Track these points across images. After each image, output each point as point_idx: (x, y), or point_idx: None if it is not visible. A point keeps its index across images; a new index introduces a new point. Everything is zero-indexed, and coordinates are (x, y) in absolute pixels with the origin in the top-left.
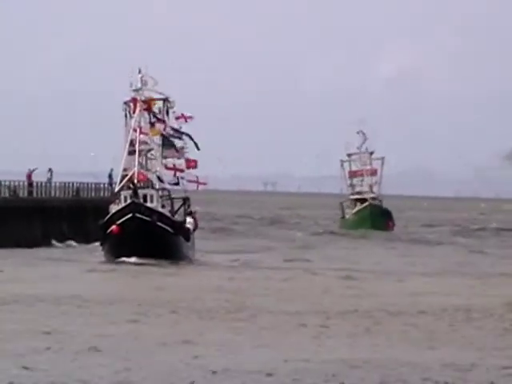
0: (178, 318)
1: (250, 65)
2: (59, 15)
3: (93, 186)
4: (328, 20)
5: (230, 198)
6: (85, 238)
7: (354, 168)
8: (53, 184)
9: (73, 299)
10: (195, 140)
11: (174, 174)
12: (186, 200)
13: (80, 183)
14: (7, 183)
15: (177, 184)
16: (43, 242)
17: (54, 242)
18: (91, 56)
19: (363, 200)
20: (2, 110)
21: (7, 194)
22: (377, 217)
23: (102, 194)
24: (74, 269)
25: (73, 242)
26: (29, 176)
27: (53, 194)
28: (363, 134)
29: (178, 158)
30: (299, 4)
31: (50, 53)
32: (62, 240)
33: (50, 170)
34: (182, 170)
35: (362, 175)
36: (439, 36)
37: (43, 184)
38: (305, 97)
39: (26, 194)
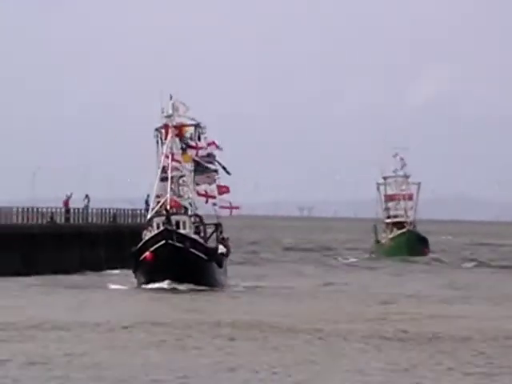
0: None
1: (283, 91)
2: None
3: (129, 212)
4: (362, 40)
5: (266, 224)
6: (122, 264)
7: (389, 191)
8: (90, 210)
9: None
10: (224, 165)
11: (206, 201)
12: (218, 226)
13: (117, 209)
14: (44, 210)
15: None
16: (81, 268)
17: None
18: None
19: (399, 224)
20: (33, 135)
21: (44, 221)
22: (414, 243)
23: (138, 220)
24: (112, 295)
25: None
26: (66, 202)
27: (90, 220)
28: (402, 159)
29: (210, 184)
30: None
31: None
32: (99, 267)
33: (86, 196)
34: (213, 197)
35: (398, 199)
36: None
37: (80, 210)
38: (339, 121)
39: (63, 221)
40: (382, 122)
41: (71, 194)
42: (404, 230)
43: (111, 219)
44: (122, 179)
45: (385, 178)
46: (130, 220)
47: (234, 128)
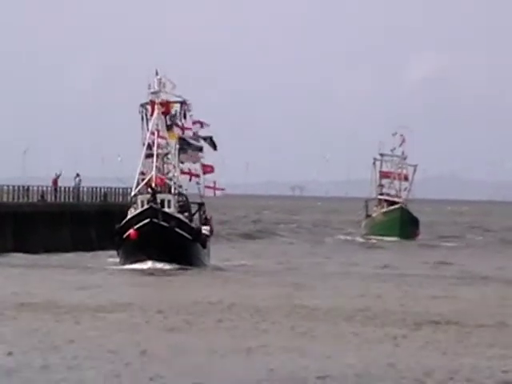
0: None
1: (275, 66)
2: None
3: (120, 190)
4: (363, 23)
5: (259, 204)
6: (113, 243)
7: (385, 169)
8: (81, 189)
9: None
10: (209, 137)
11: (190, 179)
12: (201, 205)
13: (108, 188)
14: (35, 188)
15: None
16: (71, 247)
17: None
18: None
19: (391, 202)
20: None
21: (35, 200)
22: (406, 223)
23: (129, 198)
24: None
25: None
26: (55, 181)
27: (80, 199)
28: (401, 135)
29: (194, 163)
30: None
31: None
32: (90, 246)
33: (77, 175)
34: (197, 175)
35: (393, 178)
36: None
37: (71, 189)
38: (333, 102)
39: (53, 200)
40: (378, 102)
41: (60, 173)
42: (397, 206)
43: (102, 198)
44: (113, 158)
45: (382, 155)
46: (121, 199)
47: (226, 108)
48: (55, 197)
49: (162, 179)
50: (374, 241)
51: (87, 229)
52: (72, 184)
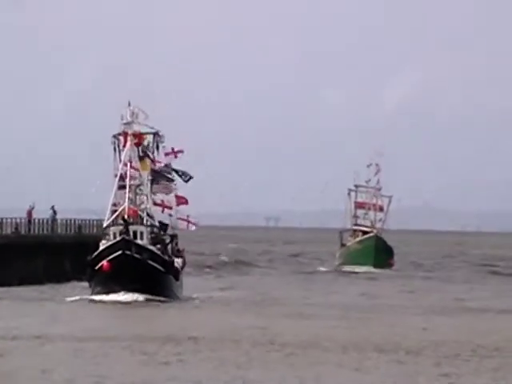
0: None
1: (253, 96)
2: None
3: (95, 222)
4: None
5: (235, 234)
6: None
7: (359, 199)
8: (55, 222)
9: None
10: (184, 172)
11: (162, 211)
12: (173, 237)
13: (82, 220)
14: (9, 220)
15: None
16: (46, 278)
17: None
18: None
19: (366, 232)
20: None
21: (9, 232)
22: (381, 252)
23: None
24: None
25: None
26: (29, 213)
27: (55, 230)
28: (377, 165)
29: (167, 194)
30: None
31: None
32: (65, 278)
33: (52, 207)
34: (170, 207)
35: (368, 208)
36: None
37: (45, 221)
38: (308, 132)
39: (27, 232)
40: (354, 128)
41: (33, 205)
42: (372, 235)
43: (76, 230)
44: (87, 190)
45: (357, 186)
46: (95, 230)
47: (196, 139)
48: (29, 229)
49: (134, 211)
50: (349, 270)
51: (62, 260)
52: (47, 216)
